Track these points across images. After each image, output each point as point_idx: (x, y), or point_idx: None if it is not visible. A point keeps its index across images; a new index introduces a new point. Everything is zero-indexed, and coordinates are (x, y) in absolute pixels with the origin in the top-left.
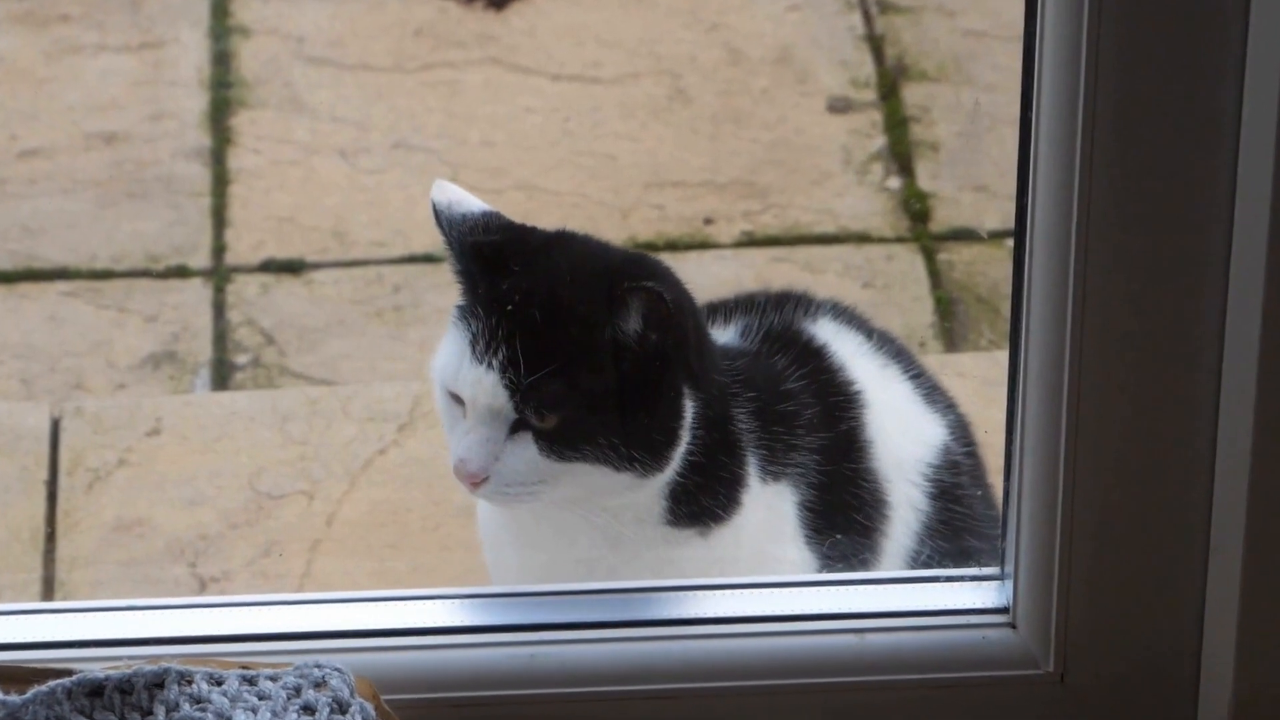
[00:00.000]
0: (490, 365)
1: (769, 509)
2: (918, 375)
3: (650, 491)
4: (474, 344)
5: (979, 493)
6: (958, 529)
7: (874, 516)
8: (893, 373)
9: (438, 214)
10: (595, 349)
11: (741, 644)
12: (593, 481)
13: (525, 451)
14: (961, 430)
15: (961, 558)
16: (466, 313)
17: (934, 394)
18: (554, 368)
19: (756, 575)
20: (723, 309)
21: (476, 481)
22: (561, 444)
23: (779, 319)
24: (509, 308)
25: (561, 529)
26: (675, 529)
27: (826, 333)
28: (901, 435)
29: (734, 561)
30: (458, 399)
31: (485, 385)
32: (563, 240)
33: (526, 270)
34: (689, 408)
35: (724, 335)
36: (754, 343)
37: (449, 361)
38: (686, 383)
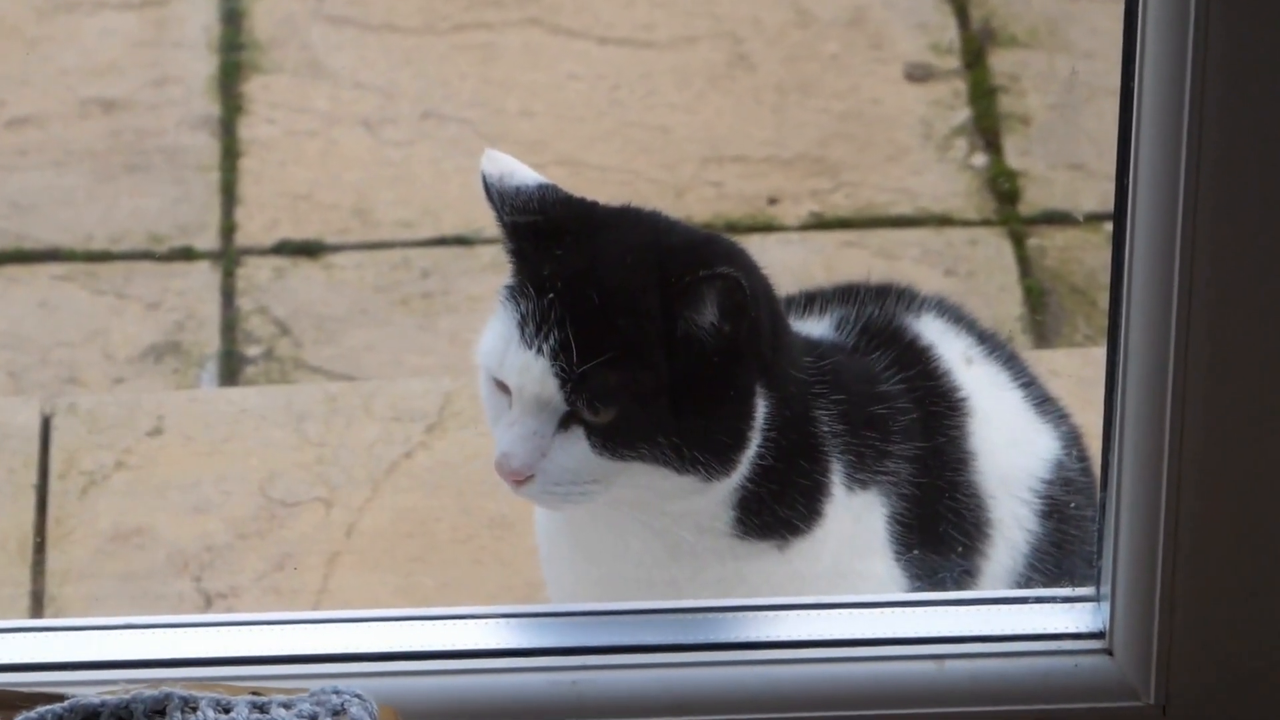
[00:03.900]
0: (540, 351)
1: (856, 520)
2: (1028, 383)
3: (715, 498)
4: (523, 326)
5: (1093, 512)
6: (1069, 551)
7: (973, 534)
8: (1003, 379)
9: (488, 187)
10: (658, 338)
11: (806, 670)
12: (651, 483)
13: (576, 448)
14: (1075, 443)
15: (1074, 583)
16: (515, 292)
17: (1045, 403)
18: (611, 356)
19: (839, 593)
20: (819, 298)
21: (520, 479)
22: (616, 441)
23: (879, 313)
24: (562, 288)
25: (620, 538)
26: (746, 541)
27: (931, 331)
28: (1010, 447)
29: (813, 577)
30: (504, 387)
31: (534, 372)
32: (627, 217)
33: (585, 249)
34: (760, 406)
35: (818, 327)
36: (850, 337)
37: (495, 345)
38: (759, 379)
